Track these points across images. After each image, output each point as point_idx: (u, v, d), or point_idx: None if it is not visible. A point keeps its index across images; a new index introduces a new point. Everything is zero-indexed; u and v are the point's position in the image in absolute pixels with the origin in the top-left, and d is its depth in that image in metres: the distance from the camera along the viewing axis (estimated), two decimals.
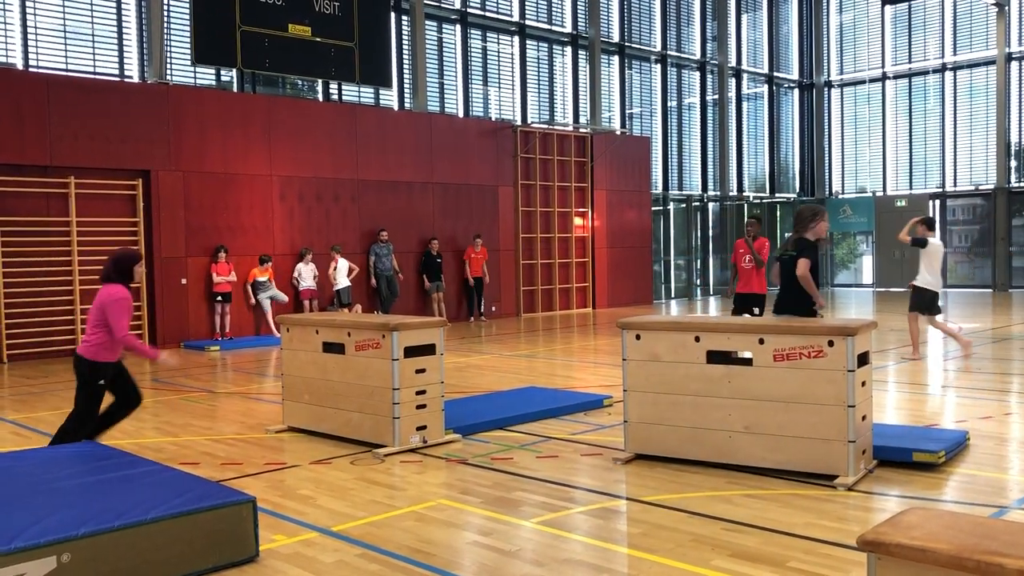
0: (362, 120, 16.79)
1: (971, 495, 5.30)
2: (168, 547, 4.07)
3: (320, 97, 17.37)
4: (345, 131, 16.46)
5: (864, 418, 5.54)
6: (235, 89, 16.10)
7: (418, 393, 6.65)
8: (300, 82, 17.36)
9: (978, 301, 21.32)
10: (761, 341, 5.63)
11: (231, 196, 15.03)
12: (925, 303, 10.86)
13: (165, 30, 14.89)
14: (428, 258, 17.32)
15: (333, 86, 17.34)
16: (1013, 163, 24.95)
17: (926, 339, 12.89)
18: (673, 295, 24.28)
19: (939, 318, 11.08)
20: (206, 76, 15.82)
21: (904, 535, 2.62)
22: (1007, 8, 24.31)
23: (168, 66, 14.96)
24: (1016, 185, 24.86)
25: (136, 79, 14.84)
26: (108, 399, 6.22)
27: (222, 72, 15.98)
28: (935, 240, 11.02)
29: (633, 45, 23.00)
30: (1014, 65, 24.70)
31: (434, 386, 6.76)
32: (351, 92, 17.54)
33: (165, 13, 14.89)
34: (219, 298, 14.60)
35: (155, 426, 7.97)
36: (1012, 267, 24.94)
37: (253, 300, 15.07)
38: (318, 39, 16.20)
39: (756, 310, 10.56)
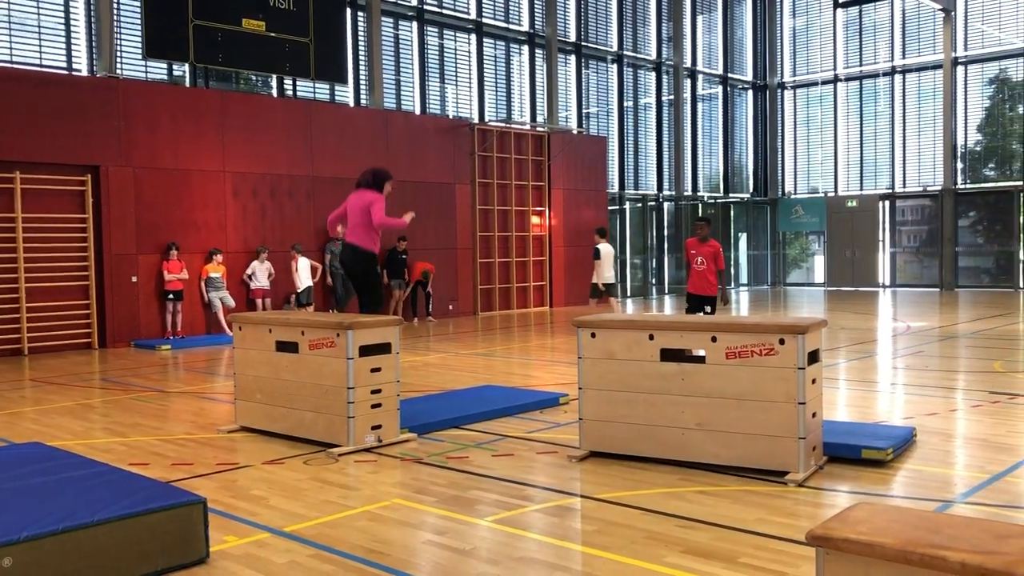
0: (317, 116, 16.64)
1: (917, 490, 5.41)
2: (115, 550, 4.00)
3: (274, 93, 17.18)
4: (300, 127, 16.30)
5: (814, 415, 5.62)
6: (187, 84, 15.85)
7: (373, 392, 6.60)
8: (254, 77, 17.15)
9: (926, 300, 21.79)
10: (714, 339, 5.68)
11: (183, 192, 14.80)
12: (607, 289, 14.42)
13: (115, 23, 14.61)
14: (392, 254, 17.20)
15: (288, 82, 17.16)
16: (960, 165, 25.54)
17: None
18: (629, 294, 24.44)
19: (613, 302, 14.56)
20: (157, 70, 15.55)
21: (851, 530, 2.66)
22: (953, 14, 24.86)
23: (118, 60, 14.69)
24: (962, 187, 25.44)
25: (85, 72, 14.55)
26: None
27: (174, 66, 15.72)
28: (604, 245, 14.53)
29: (589, 45, 23.11)
30: (960, 69, 25.27)
31: (389, 385, 6.72)
32: (306, 88, 17.38)
33: (115, 5, 14.61)
34: (170, 296, 14.37)
35: (104, 426, 7.82)
36: (958, 267, 25.53)
37: (207, 298, 14.86)
38: (272, 34, 16.02)
39: (708, 308, 10.81)
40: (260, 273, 15.42)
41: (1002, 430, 6.97)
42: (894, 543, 2.54)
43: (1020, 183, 24.53)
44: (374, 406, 6.61)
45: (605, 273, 14.42)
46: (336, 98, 17.84)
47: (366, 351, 6.55)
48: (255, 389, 7.24)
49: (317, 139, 16.53)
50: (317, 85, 17.40)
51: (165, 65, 15.57)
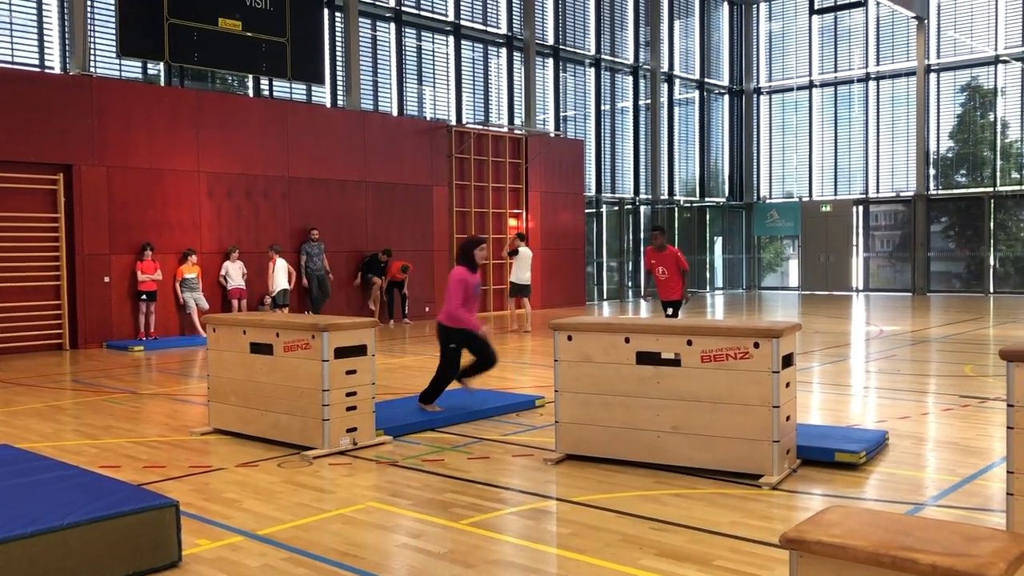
0: (293, 117, 16.56)
1: (889, 493, 5.46)
2: (85, 553, 3.94)
3: (250, 92, 17.07)
4: (276, 127, 16.20)
5: (788, 418, 5.66)
6: (162, 83, 15.71)
7: (348, 395, 6.57)
8: (230, 77, 17.04)
9: (898, 304, 22.01)
10: (689, 342, 5.71)
11: (157, 192, 14.67)
12: (519, 290, 15.64)
13: (88, 20, 14.45)
14: (373, 259, 17.24)
15: (264, 81, 17.06)
16: (932, 171, 25.84)
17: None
18: (605, 297, 24.51)
19: (526, 301, 15.72)
20: (132, 69, 15.40)
21: (824, 533, 2.68)
22: (926, 22, 25.17)
23: (92, 58, 14.53)
24: (935, 192, 25.74)
25: (58, 70, 14.38)
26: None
27: (149, 65, 15.57)
28: (525, 249, 15.65)
29: (567, 48, 23.16)
30: (932, 76, 25.58)
31: (365, 387, 6.69)
32: (282, 88, 17.28)
33: (88, 2, 14.46)
34: (144, 297, 14.23)
35: (75, 428, 7.73)
36: (931, 272, 25.82)
37: (181, 299, 14.72)
38: (249, 34, 15.92)
39: (670, 310, 11.10)
40: (234, 273, 15.30)
41: (972, 433, 7.06)
42: (866, 546, 2.57)
43: (991, 189, 24.86)
44: (349, 408, 6.58)
45: (516, 273, 15.73)
46: (313, 99, 17.75)
47: (341, 353, 6.52)
48: (229, 391, 7.18)
49: (293, 140, 16.44)
50: (294, 85, 17.32)
51: (139, 63, 15.42)
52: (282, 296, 15.53)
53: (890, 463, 6.10)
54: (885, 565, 2.51)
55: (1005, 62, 24.52)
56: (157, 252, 14.46)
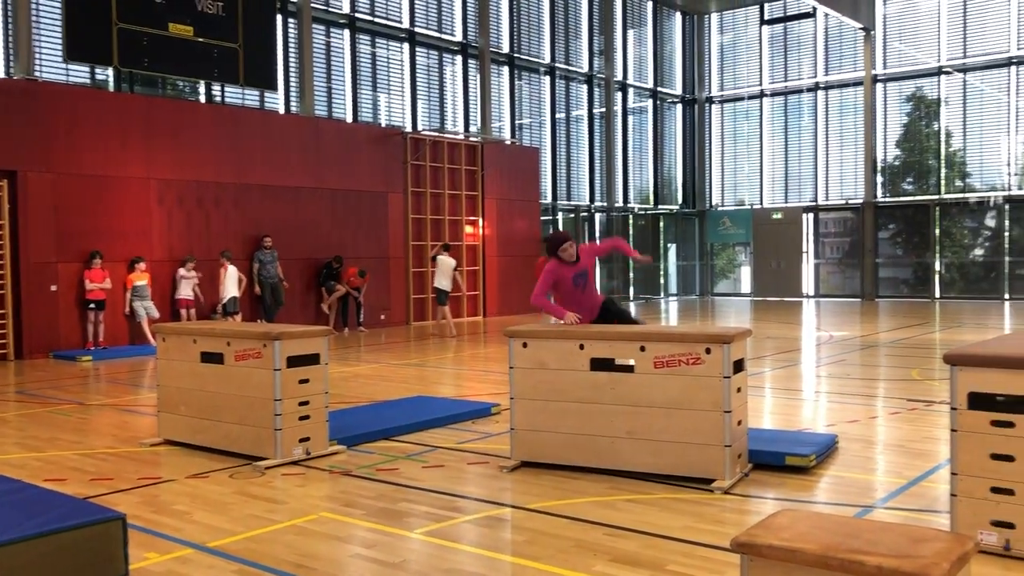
0: (246, 123, 16.37)
1: (839, 496, 5.54)
2: (25, 571, 3.83)
3: (202, 99, 16.85)
4: (228, 134, 16.00)
5: (740, 423, 5.72)
6: (111, 88, 15.44)
7: (301, 404, 6.50)
8: (181, 83, 16.80)
9: (847, 310, 22.40)
10: (642, 349, 5.75)
11: (106, 199, 14.40)
12: (443, 297, 16.26)
13: (33, 23, 14.15)
14: (328, 268, 17.14)
15: (216, 87, 16.85)
16: (879, 179, 26.37)
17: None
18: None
19: (446, 308, 16.36)
20: (79, 74, 15.11)
21: (774, 536, 2.71)
22: (873, 33, 25.72)
23: (37, 62, 14.23)
24: (882, 200, 26.28)
25: (1, 75, 14.05)
26: None
27: (97, 70, 15.29)
28: (444, 257, 16.46)
29: (522, 56, 23.25)
30: (879, 86, 26.14)
31: (318, 396, 6.62)
32: (234, 94, 17.09)
33: (33, 5, 14.16)
34: (92, 306, 13.94)
35: (18, 441, 7.54)
36: (879, 277, 26.34)
37: (128, 309, 14.43)
38: (200, 39, 15.71)
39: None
40: (184, 283, 15.05)
41: (919, 436, 7.20)
42: (815, 549, 2.60)
43: (936, 197, 25.45)
44: (302, 418, 6.51)
45: (436, 279, 16.47)
46: (266, 105, 17.58)
47: (294, 362, 6.45)
48: (179, 401, 7.06)
49: (245, 146, 16.25)
50: (246, 91, 17.13)
51: (87, 68, 15.13)
52: (232, 304, 15.31)
53: (840, 466, 6.19)
54: (833, 568, 2.55)
55: (948, 73, 25.14)
56: (106, 260, 14.18)
